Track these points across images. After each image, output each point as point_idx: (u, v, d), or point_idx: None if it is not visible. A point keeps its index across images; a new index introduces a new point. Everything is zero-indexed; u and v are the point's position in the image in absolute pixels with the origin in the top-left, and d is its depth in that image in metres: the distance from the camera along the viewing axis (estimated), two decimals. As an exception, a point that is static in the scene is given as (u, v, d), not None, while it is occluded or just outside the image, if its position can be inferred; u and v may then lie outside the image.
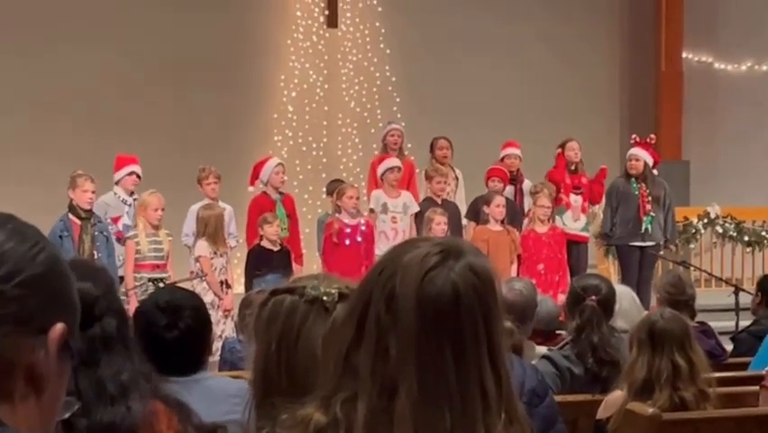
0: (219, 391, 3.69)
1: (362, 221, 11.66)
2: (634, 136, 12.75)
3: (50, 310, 1.36)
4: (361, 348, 1.80)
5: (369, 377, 1.78)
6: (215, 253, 10.91)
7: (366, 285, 1.85)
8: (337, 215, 11.65)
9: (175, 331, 3.85)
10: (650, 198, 12.26)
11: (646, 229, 12.27)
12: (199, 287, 10.49)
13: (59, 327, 1.36)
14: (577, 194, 12.61)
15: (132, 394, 2.73)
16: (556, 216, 12.42)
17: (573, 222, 12.57)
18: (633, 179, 12.32)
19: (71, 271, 2.99)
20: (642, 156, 12.32)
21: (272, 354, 2.38)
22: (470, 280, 1.80)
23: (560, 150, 12.80)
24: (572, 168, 12.72)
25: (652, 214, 12.25)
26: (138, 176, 11.33)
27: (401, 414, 1.75)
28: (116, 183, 11.30)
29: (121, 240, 10.90)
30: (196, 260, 10.93)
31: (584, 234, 12.63)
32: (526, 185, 12.83)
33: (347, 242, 11.48)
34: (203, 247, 10.88)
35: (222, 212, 11.07)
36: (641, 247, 12.28)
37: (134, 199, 11.22)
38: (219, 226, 10.94)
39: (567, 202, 12.57)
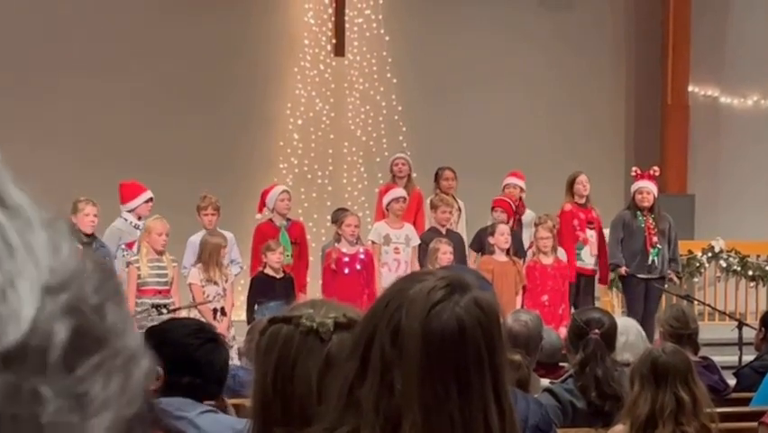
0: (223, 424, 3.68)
1: (361, 249, 11.64)
2: (635, 169, 12.74)
3: None
4: (366, 382, 1.79)
5: (372, 410, 1.77)
6: (209, 280, 10.87)
7: (371, 318, 1.85)
8: (336, 244, 11.65)
9: (217, 354, 3.88)
10: (656, 231, 12.24)
11: (653, 262, 12.24)
12: (193, 314, 10.46)
13: None
14: (591, 228, 12.56)
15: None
16: (576, 252, 12.37)
17: (591, 257, 12.51)
18: (638, 212, 12.30)
19: None
20: (651, 189, 12.32)
21: (269, 385, 2.38)
22: (476, 314, 1.79)
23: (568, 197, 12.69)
24: (582, 202, 12.66)
25: (658, 246, 12.23)
26: (151, 200, 11.34)
27: None
28: (131, 211, 11.25)
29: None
30: (190, 287, 10.93)
31: (592, 267, 12.60)
32: (527, 216, 12.81)
33: (346, 271, 11.47)
34: (194, 275, 10.87)
35: (220, 242, 10.99)
36: (646, 280, 12.25)
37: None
38: (214, 254, 10.89)
39: (585, 238, 12.50)
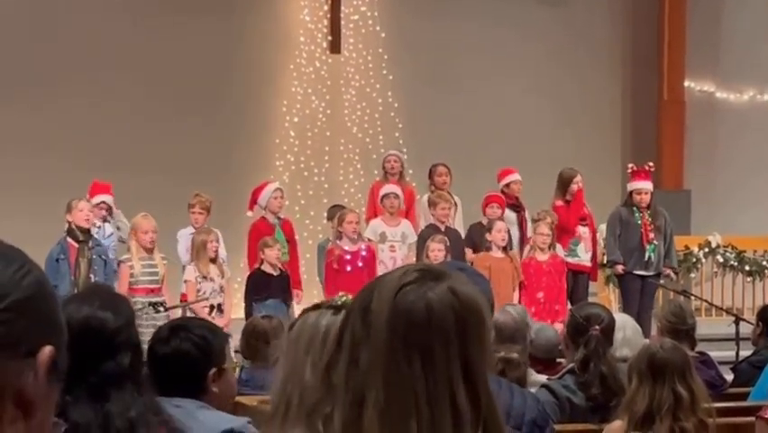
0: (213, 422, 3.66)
1: (363, 246, 11.63)
2: (631, 165, 12.73)
3: (38, 333, 1.36)
4: (339, 362, 1.82)
5: (343, 388, 1.81)
6: (204, 277, 10.86)
7: (350, 305, 1.89)
8: (338, 241, 11.63)
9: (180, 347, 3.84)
10: (652, 227, 12.24)
11: (649, 258, 12.23)
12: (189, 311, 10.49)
13: (47, 349, 1.35)
14: (584, 225, 12.53)
15: (140, 430, 2.73)
16: (571, 248, 12.34)
17: (585, 253, 12.49)
18: (635, 208, 12.29)
19: (92, 297, 2.99)
20: (650, 189, 12.31)
21: (300, 357, 2.38)
22: (449, 300, 1.81)
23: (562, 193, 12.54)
24: (571, 199, 12.60)
25: (655, 242, 12.22)
26: (109, 208, 11.27)
27: (369, 423, 1.76)
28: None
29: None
30: (185, 284, 10.95)
31: (589, 263, 12.55)
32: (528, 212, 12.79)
33: (348, 268, 11.45)
34: (189, 272, 10.88)
35: (205, 237, 10.91)
36: (642, 276, 12.24)
37: (105, 221, 11.18)
38: (201, 250, 10.86)
39: (580, 235, 12.48)
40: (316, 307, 2.49)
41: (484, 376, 1.81)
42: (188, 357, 3.69)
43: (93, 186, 11.38)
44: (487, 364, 1.83)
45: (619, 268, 12.32)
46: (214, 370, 3.68)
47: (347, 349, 1.82)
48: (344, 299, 2.43)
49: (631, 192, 12.41)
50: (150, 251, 10.71)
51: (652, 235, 12.23)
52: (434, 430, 1.76)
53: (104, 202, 11.24)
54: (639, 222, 12.25)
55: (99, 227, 11.13)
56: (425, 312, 1.79)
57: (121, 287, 10.48)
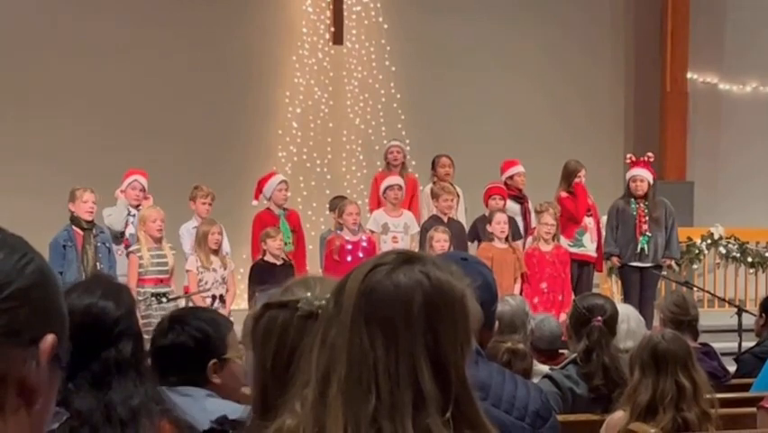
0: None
1: (364, 237, 11.63)
2: (629, 156, 12.72)
3: (41, 322, 1.36)
4: (314, 344, 1.85)
5: (315, 368, 1.82)
6: (205, 268, 10.87)
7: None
8: (339, 231, 11.63)
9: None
10: (647, 219, 12.22)
11: (642, 249, 12.23)
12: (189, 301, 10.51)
13: (49, 337, 1.36)
14: (588, 215, 12.53)
15: (142, 420, 2.74)
16: (577, 239, 12.33)
17: (591, 243, 12.48)
18: (632, 200, 12.28)
19: (93, 286, 3.00)
20: (646, 176, 12.30)
21: (268, 372, 2.37)
22: (418, 282, 1.83)
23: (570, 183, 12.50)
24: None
25: (648, 234, 12.20)
26: (143, 188, 11.32)
27: (333, 399, 1.78)
28: (122, 192, 11.30)
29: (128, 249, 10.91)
30: (188, 274, 10.98)
31: (594, 254, 12.54)
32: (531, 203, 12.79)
33: (348, 258, 11.45)
34: (191, 262, 10.91)
35: (208, 229, 10.95)
36: (641, 268, 12.24)
37: (139, 210, 11.22)
38: (203, 241, 10.88)
39: (585, 225, 12.47)
40: (284, 305, 2.41)
41: (457, 360, 1.81)
42: (186, 349, 3.66)
43: (128, 172, 11.46)
44: (464, 350, 1.83)
45: (615, 260, 12.38)
46: (214, 361, 3.60)
47: (320, 330, 1.84)
48: (315, 303, 2.31)
49: (629, 181, 12.41)
50: (158, 240, 10.72)
51: (645, 227, 12.22)
52: (393, 408, 1.77)
53: (136, 181, 11.28)
54: (635, 213, 12.25)
55: (134, 215, 11.14)
56: (390, 291, 1.81)
57: (130, 278, 10.49)
